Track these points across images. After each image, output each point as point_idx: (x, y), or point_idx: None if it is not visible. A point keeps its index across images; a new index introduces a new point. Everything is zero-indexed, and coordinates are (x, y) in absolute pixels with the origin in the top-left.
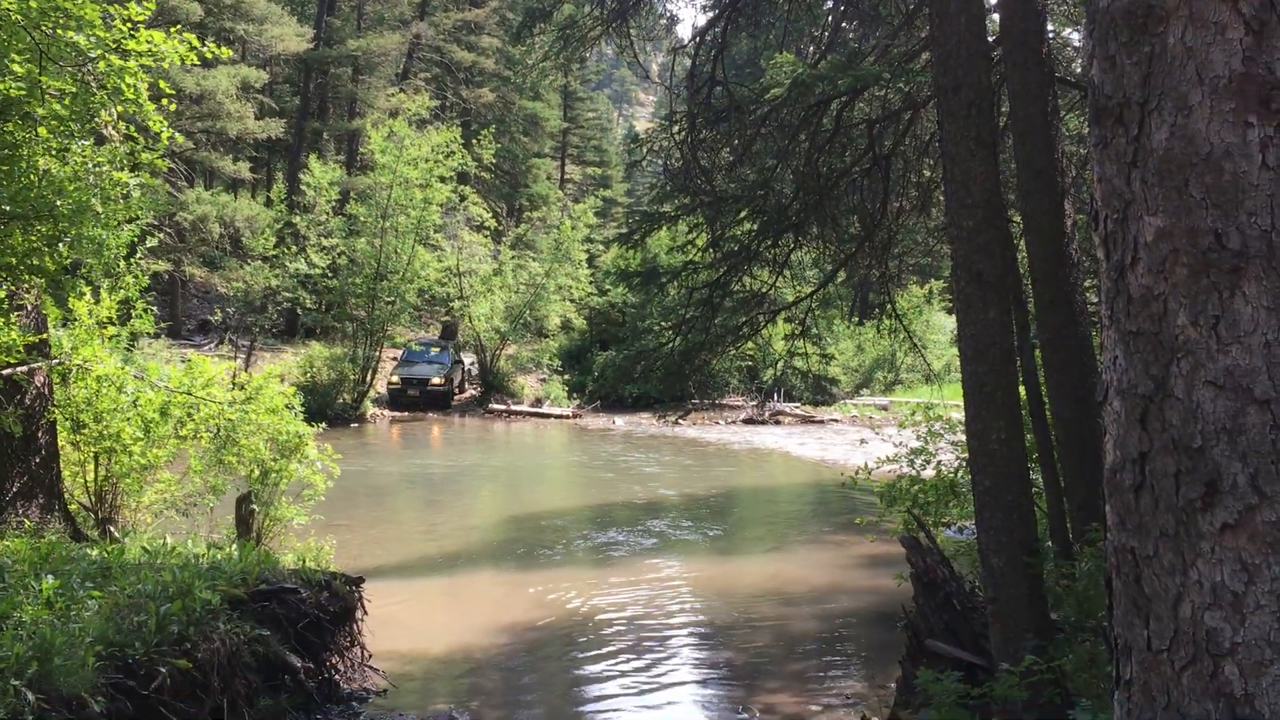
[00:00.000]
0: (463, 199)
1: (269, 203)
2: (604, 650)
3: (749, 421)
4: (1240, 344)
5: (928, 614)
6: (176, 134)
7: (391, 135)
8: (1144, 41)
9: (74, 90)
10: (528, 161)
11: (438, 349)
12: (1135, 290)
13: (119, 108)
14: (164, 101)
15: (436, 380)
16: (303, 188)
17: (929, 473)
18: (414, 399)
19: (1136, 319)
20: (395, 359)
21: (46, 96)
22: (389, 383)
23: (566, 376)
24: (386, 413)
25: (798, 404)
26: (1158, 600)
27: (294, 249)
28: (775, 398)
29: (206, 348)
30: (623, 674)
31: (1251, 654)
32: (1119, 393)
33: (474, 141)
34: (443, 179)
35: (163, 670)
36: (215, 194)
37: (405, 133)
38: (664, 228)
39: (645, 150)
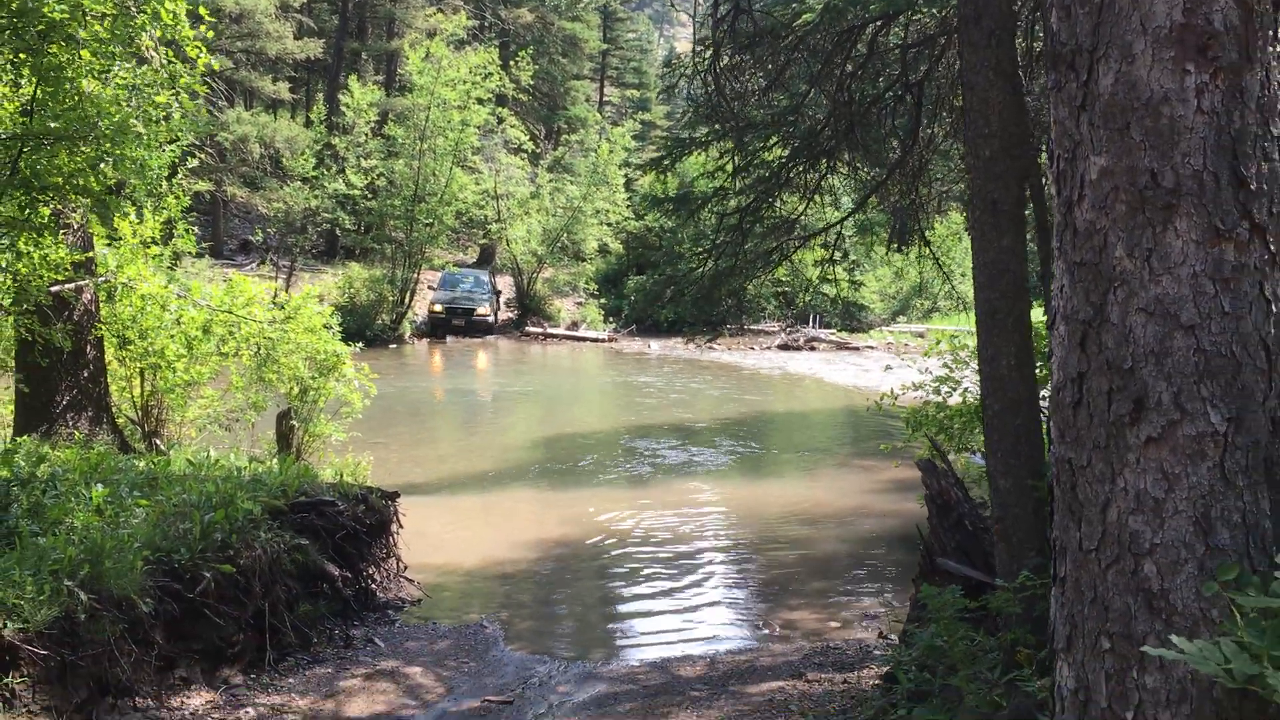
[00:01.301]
0: (500, 121)
1: (308, 123)
2: (633, 566)
3: (784, 347)
4: (1170, 274)
5: (941, 535)
6: (213, 60)
7: (429, 56)
8: None
9: (114, 13)
10: (566, 83)
11: (471, 279)
12: (1081, 224)
13: (158, 31)
14: (202, 28)
15: (482, 310)
16: (342, 109)
17: (955, 399)
18: (458, 327)
19: (1080, 250)
20: (433, 285)
21: (88, 19)
22: (431, 310)
23: (603, 300)
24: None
25: (832, 330)
26: (1089, 505)
27: (333, 170)
28: (811, 323)
29: (248, 267)
30: (650, 589)
31: (1168, 554)
32: (1063, 318)
33: (512, 63)
34: (480, 101)
35: (207, 575)
36: (255, 114)
37: (443, 53)
38: (695, 153)
39: (678, 76)
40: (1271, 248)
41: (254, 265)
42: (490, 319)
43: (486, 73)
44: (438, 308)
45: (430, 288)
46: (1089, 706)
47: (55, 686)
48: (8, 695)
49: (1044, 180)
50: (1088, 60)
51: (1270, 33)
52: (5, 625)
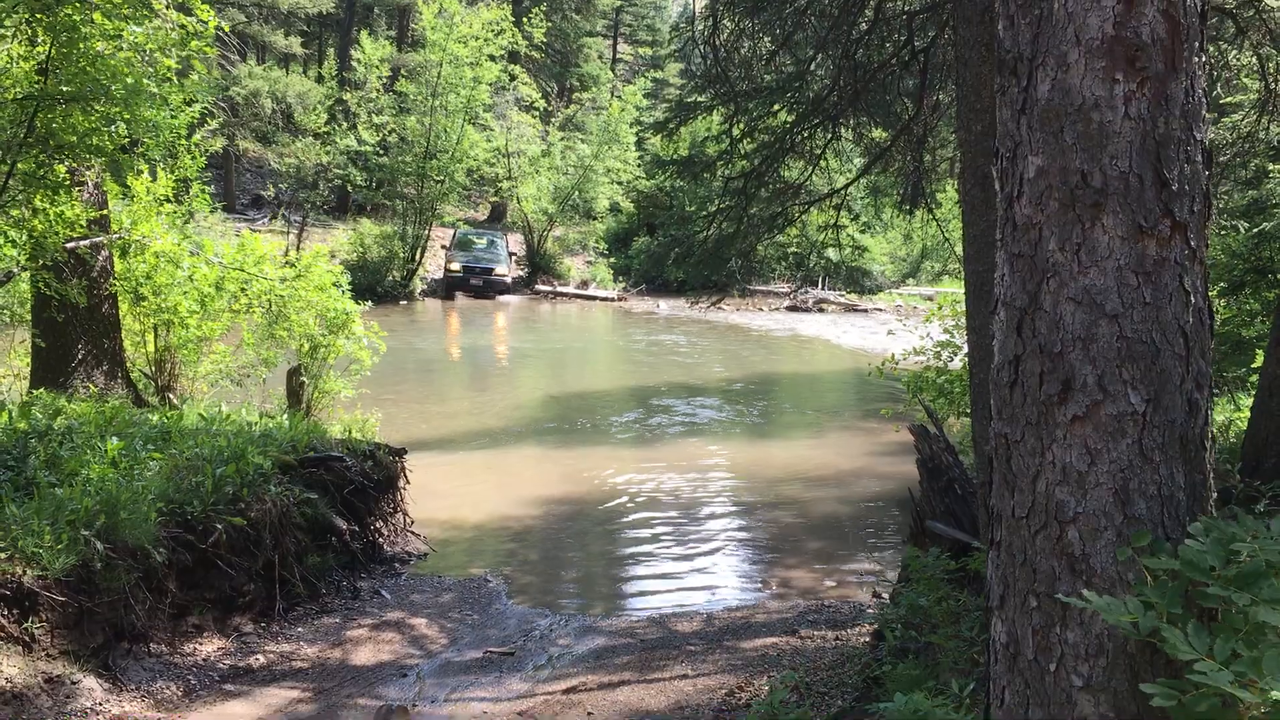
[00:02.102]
0: (512, 78)
1: (320, 79)
2: (636, 524)
3: (792, 309)
4: (1097, 267)
5: (931, 498)
6: (223, 23)
7: (442, 12)
8: (1035, 4)
9: None
10: (579, 41)
11: (485, 238)
12: (1019, 219)
13: None
14: None
15: (500, 270)
16: (353, 64)
17: (956, 364)
18: (474, 286)
19: (1019, 243)
20: (444, 243)
21: None
22: (447, 269)
23: (613, 259)
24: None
25: (841, 292)
26: (1021, 477)
27: (345, 126)
28: (820, 286)
29: (260, 223)
30: (651, 547)
31: (1090, 522)
32: (1003, 305)
33: (525, 19)
34: (493, 58)
35: (219, 527)
36: (267, 69)
37: (456, 9)
38: (700, 117)
39: (684, 41)
40: (1191, 244)
41: (266, 220)
42: (507, 279)
43: (499, 29)
44: (455, 266)
45: (442, 246)
46: (1017, 659)
47: (73, 631)
48: (28, 639)
49: None
50: (1028, 67)
51: (1195, 44)
52: (25, 572)
